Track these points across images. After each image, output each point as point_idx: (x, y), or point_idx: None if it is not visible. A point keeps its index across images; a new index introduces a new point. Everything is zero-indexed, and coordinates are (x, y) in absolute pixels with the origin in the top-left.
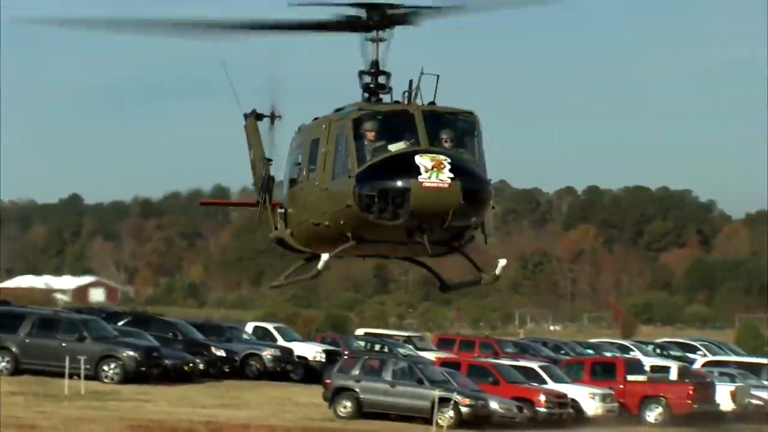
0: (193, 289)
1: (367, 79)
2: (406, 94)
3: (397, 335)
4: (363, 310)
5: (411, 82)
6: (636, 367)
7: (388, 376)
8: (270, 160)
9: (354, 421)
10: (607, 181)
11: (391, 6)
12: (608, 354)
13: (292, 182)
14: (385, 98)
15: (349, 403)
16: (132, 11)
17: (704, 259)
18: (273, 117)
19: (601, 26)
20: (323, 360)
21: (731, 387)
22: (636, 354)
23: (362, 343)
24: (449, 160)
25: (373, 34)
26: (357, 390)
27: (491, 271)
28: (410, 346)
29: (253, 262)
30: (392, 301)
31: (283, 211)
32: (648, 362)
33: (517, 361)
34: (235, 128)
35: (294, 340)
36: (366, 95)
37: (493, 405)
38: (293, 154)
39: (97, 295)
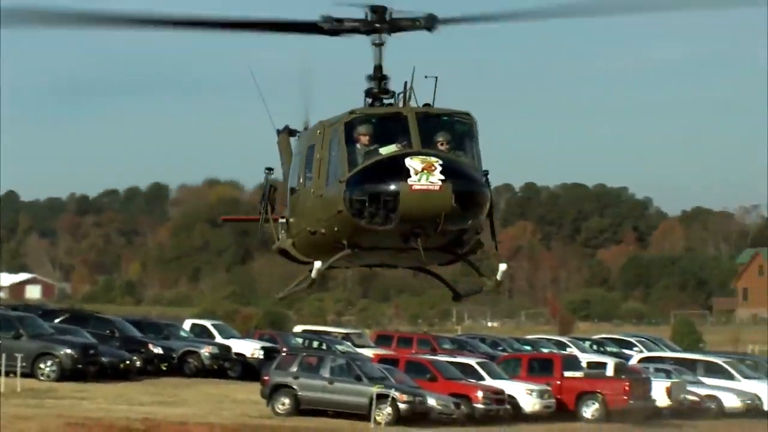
0: (131, 286)
1: (371, 84)
2: (401, 96)
3: (336, 332)
4: (301, 307)
5: (406, 83)
6: (573, 363)
7: (326, 372)
8: (270, 169)
9: (292, 418)
10: (544, 178)
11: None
12: (545, 350)
13: (292, 191)
14: (388, 102)
15: (287, 400)
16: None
17: (640, 256)
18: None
19: (538, 25)
20: (261, 357)
21: (667, 383)
22: (573, 350)
23: (300, 340)
24: (440, 162)
25: (376, 37)
26: (295, 387)
27: (492, 277)
28: (348, 343)
29: (190, 259)
30: (331, 299)
31: (284, 221)
32: (585, 358)
33: (455, 357)
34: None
35: (232, 338)
36: (369, 100)
37: (431, 401)
38: (293, 162)
39: (33, 292)
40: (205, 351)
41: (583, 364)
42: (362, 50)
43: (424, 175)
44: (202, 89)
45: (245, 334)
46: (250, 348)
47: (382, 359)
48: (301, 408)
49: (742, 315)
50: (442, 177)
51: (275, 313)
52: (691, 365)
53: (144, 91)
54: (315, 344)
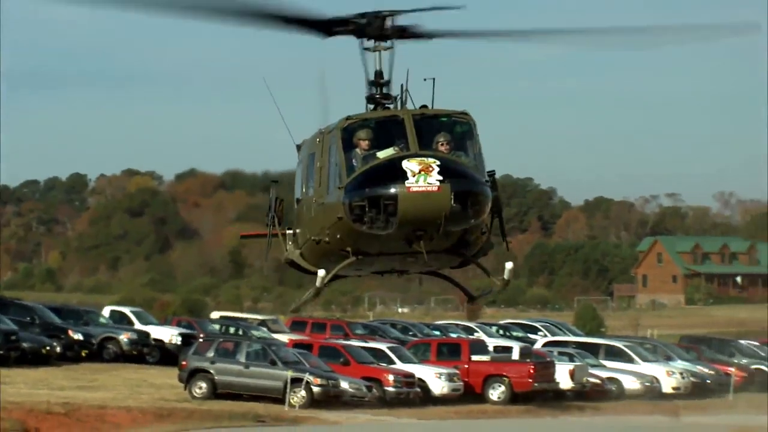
0: (51, 274)
1: (372, 89)
2: (399, 99)
3: (252, 318)
4: (218, 294)
5: (402, 86)
6: (480, 347)
7: (242, 357)
8: (276, 181)
9: (209, 401)
10: None
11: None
12: (454, 335)
13: (297, 201)
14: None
15: (204, 384)
16: None
17: (545, 244)
18: None
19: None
20: (179, 343)
21: (570, 366)
22: (480, 335)
23: (217, 327)
24: (438, 163)
25: (374, 43)
26: (212, 371)
27: (500, 277)
28: (264, 329)
29: (110, 247)
30: (247, 286)
31: (292, 232)
32: (491, 343)
33: (367, 342)
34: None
35: (150, 324)
36: (371, 106)
37: (344, 385)
38: (297, 172)
39: None
40: (124, 337)
41: (490, 349)
42: (367, 55)
43: (421, 176)
44: (122, 80)
45: (163, 321)
46: (168, 334)
47: (296, 344)
48: (217, 392)
49: (642, 301)
50: (440, 178)
51: (193, 300)
52: (593, 349)
53: (62, 83)
54: (231, 330)
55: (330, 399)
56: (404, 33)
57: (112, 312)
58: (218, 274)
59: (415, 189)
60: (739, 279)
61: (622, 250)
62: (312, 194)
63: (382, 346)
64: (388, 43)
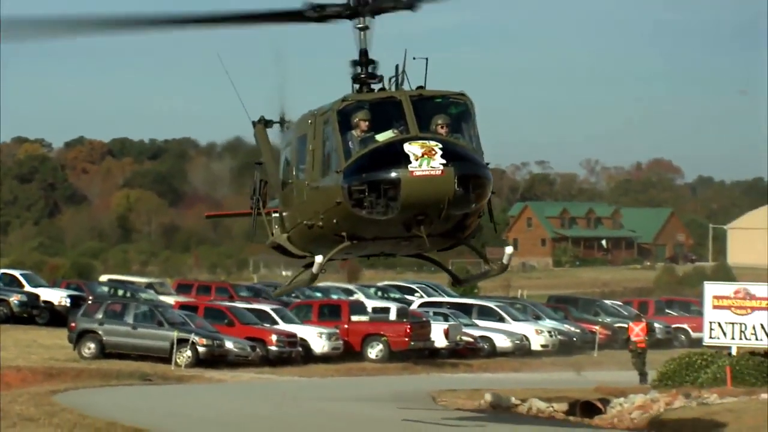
0: None
1: (357, 69)
2: (393, 80)
3: (139, 281)
4: (107, 258)
5: (397, 67)
6: (359, 308)
7: (129, 319)
8: (260, 163)
9: (97, 361)
10: None
11: None
12: (334, 297)
13: (284, 184)
14: (377, 87)
15: (92, 345)
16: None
17: None
18: (283, 123)
19: None
20: (68, 305)
21: (445, 325)
22: (359, 296)
23: (106, 289)
24: (440, 146)
25: (359, 21)
26: (100, 332)
27: (498, 261)
28: (151, 291)
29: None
30: (135, 250)
31: (278, 215)
32: (370, 304)
33: (251, 304)
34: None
35: (40, 286)
36: (356, 86)
37: (229, 345)
38: (283, 154)
39: None
40: (15, 299)
41: (369, 310)
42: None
43: (424, 160)
44: (11, 49)
45: (53, 284)
46: (57, 296)
47: (182, 306)
48: (106, 352)
49: (512, 263)
50: (444, 161)
51: (82, 264)
52: (466, 309)
53: None
54: (119, 293)
55: (215, 358)
56: (385, 7)
57: (2, 275)
58: (106, 239)
59: (418, 173)
60: (603, 242)
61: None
62: (303, 177)
63: (266, 308)
64: (373, 18)
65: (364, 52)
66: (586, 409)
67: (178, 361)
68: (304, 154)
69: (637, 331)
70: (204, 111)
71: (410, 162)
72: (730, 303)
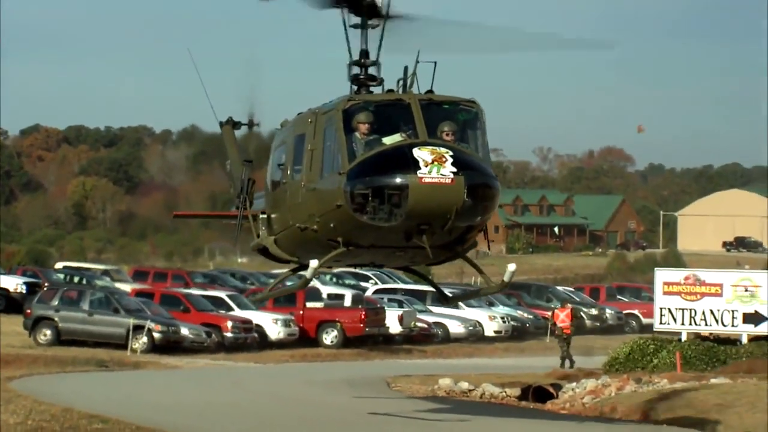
0: None
1: (356, 70)
2: (401, 82)
3: (95, 268)
4: (63, 245)
5: (406, 68)
6: (314, 294)
7: (85, 305)
8: (250, 161)
9: (53, 347)
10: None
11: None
12: (289, 283)
13: (275, 185)
14: (376, 90)
15: (48, 331)
16: None
17: None
18: (251, 125)
19: None
20: (24, 291)
21: (399, 312)
22: (315, 283)
23: (62, 276)
24: (451, 153)
25: (362, 21)
26: (56, 319)
27: (497, 279)
28: (107, 278)
29: None
30: (91, 237)
31: (265, 217)
32: (325, 291)
33: (207, 291)
34: None
35: None
36: (355, 87)
37: (184, 331)
38: (275, 154)
39: None
40: None
41: (324, 296)
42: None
43: (434, 167)
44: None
45: (8, 270)
46: (13, 283)
47: (138, 293)
48: (61, 338)
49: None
50: (454, 169)
51: (38, 251)
52: (420, 296)
53: None
54: (75, 279)
55: (171, 345)
56: (390, 13)
57: None
58: (62, 226)
59: (427, 180)
60: (556, 229)
61: None
62: (299, 178)
63: (221, 294)
64: (376, 21)
65: (364, 53)
66: (539, 394)
67: (133, 347)
68: (301, 153)
69: (562, 318)
70: (160, 99)
71: (419, 168)
72: (680, 289)
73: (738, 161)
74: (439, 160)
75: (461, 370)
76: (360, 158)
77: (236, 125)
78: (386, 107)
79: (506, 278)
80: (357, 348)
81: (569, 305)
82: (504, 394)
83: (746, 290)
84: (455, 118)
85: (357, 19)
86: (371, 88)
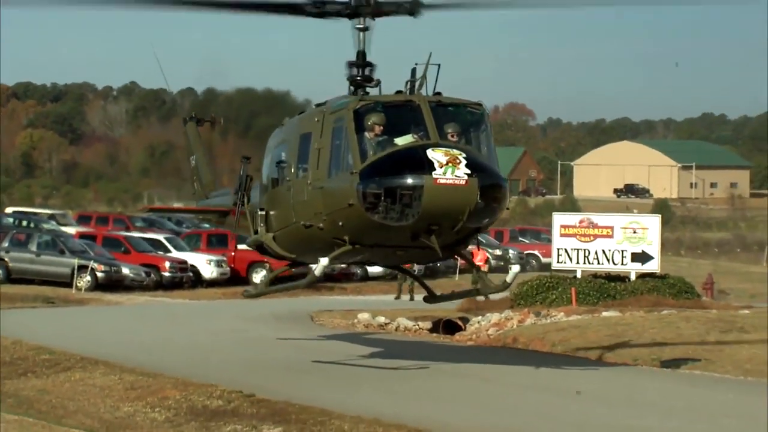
0: None
1: (353, 70)
2: (409, 84)
3: (42, 213)
4: (12, 192)
5: (414, 70)
6: (245, 237)
7: (33, 247)
8: (248, 158)
9: (4, 285)
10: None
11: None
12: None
13: (274, 182)
14: (373, 91)
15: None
16: None
17: None
18: (213, 122)
19: None
20: None
21: None
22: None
23: (11, 220)
24: (464, 155)
25: (359, 21)
26: (7, 259)
27: (495, 279)
28: (54, 222)
29: None
30: (38, 185)
31: (263, 213)
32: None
33: (146, 234)
34: None
35: None
36: (352, 88)
37: (125, 270)
38: (275, 152)
39: None
40: None
41: None
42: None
43: (449, 168)
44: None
45: None
46: None
47: (82, 235)
48: (12, 277)
49: None
50: (468, 171)
51: None
52: None
53: None
54: (24, 223)
55: (113, 283)
56: (388, 10)
57: None
58: (12, 174)
59: (442, 181)
60: None
61: None
62: (304, 176)
63: (160, 237)
64: (374, 21)
65: (361, 54)
66: (448, 326)
67: (78, 285)
68: (307, 152)
69: (479, 258)
70: (101, 57)
71: (434, 169)
72: (576, 231)
73: (628, 116)
74: (453, 162)
75: (378, 305)
76: (373, 158)
77: (200, 122)
78: (396, 108)
79: (509, 279)
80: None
81: (482, 248)
82: (417, 326)
83: (634, 232)
84: (463, 120)
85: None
86: (368, 89)
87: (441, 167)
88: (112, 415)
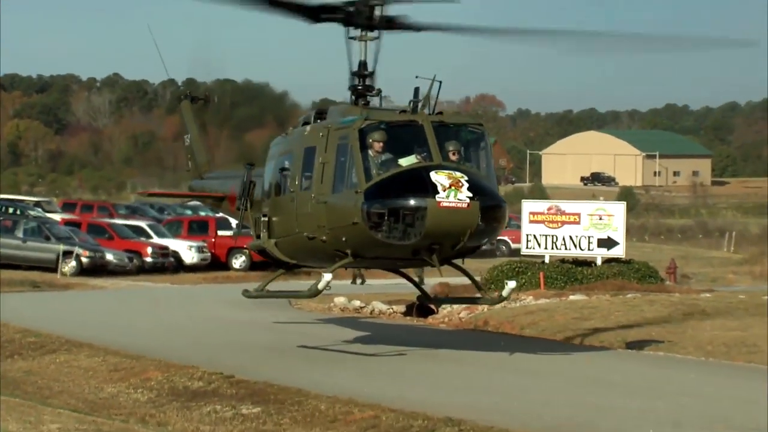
0: None
1: (355, 80)
2: (412, 102)
3: (29, 200)
4: None
5: (417, 89)
6: (225, 224)
7: (20, 233)
8: (252, 165)
9: None
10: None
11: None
12: (203, 213)
13: (278, 190)
14: (373, 101)
15: None
16: None
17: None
18: (207, 99)
19: None
20: None
21: None
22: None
23: None
24: (467, 178)
25: (361, 32)
26: None
27: (498, 292)
28: (39, 209)
29: None
30: (24, 173)
31: (266, 219)
32: (234, 221)
33: (129, 221)
34: None
35: None
36: (353, 97)
37: (109, 256)
38: (278, 160)
39: None
40: None
41: (233, 225)
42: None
43: (451, 191)
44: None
45: None
46: None
47: (67, 222)
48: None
49: None
50: (470, 194)
51: None
52: None
53: None
54: (11, 210)
55: (97, 268)
56: (392, 24)
57: None
58: None
59: (445, 204)
60: None
61: None
62: (307, 189)
63: (142, 224)
64: (375, 33)
65: (363, 64)
66: (421, 310)
67: (63, 270)
68: (311, 165)
69: None
70: (86, 49)
71: (437, 192)
72: (544, 218)
73: (594, 107)
74: (455, 185)
75: (353, 290)
76: (378, 178)
77: (194, 100)
78: (400, 128)
79: (504, 293)
80: (263, 271)
81: None
82: (391, 310)
83: (600, 219)
84: (465, 140)
85: (356, 32)
86: (369, 98)
87: (444, 190)
88: (96, 396)
